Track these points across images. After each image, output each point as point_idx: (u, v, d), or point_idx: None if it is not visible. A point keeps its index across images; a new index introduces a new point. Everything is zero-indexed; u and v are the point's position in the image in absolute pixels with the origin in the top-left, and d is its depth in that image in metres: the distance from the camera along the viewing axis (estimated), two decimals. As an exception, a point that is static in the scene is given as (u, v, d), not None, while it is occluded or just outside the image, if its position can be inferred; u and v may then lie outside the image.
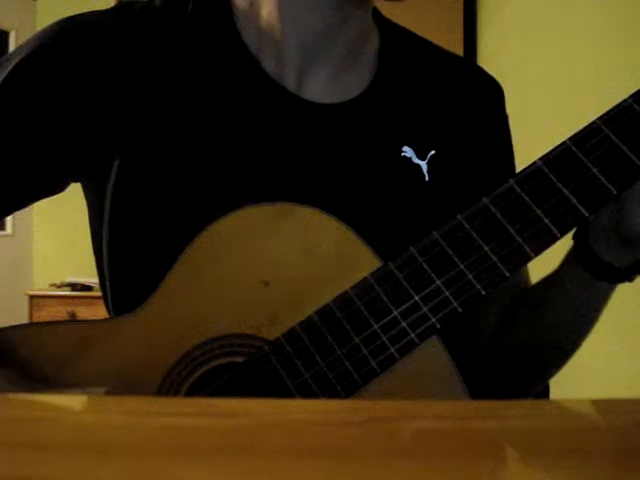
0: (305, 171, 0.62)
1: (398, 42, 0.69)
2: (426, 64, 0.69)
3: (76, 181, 0.66)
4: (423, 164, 0.64)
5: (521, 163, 0.55)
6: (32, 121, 0.61)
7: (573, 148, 0.52)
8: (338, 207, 0.54)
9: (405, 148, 0.64)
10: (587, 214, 0.51)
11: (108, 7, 0.65)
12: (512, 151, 0.71)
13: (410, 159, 0.64)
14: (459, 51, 2.51)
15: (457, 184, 0.64)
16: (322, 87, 0.64)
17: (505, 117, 0.72)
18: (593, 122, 0.52)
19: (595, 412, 0.40)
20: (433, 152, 0.64)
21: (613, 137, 0.51)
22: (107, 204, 0.61)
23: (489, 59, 2.43)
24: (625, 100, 0.52)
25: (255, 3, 0.63)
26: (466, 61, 0.75)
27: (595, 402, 0.41)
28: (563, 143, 0.52)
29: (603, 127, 0.51)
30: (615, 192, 0.51)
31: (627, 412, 0.40)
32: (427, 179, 0.64)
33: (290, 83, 0.63)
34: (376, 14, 0.70)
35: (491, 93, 0.72)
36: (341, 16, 0.62)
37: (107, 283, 0.64)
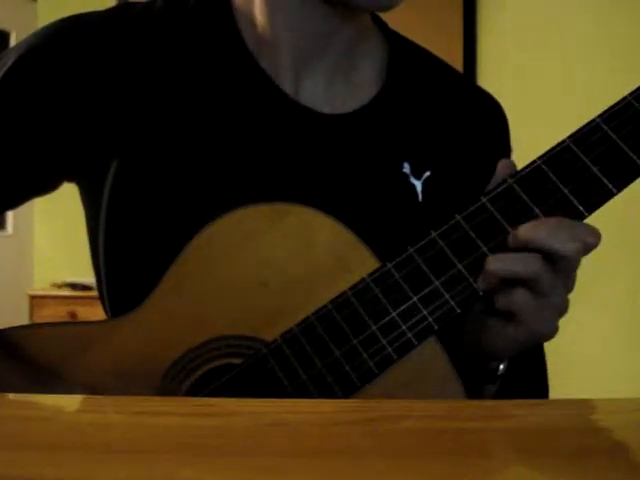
0: (301, 178, 0.61)
1: (407, 57, 0.68)
2: (433, 83, 0.68)
3: (71, 181, 0.65)
4: (418, 184, 0.64)
5: (521, 165, 0.55)
6: (29, 119, 0.61)
7: (573, 146, 0.51)
8: (331, 214, 0.54)
9: (405, 164, 0.63)
10: (586, 213, 0.51)
11: (108, 8, 0.66)
12: None
13: (408, 176, 0.64)
14: (458, 54, 2.50)
15: (449, 207, 0.63)
16: (320, 93, 0.64)
17: (507, 148, 0.71)
18: (593, 120, 0.52)
19: (595, 412, 0.40)
20: (428, 173, 0.64)
21: (613, 135, 0.51)
22: (104, 205, 0.61)
23: (489, 60, 2.43)
24: (625, 97, 0.52)
25: (251, 6, 0.63)
26: (474, 84, 0.75)
27: (595, 402, 0.41)
28: (563, 141, 0.52)
29: (603, 125, 0.51)
30: (615, 191, 0.51)
31: (627, 412, 0.40)
32: (420, 199, 0.63)
33: (287, 86, 0.63)
34: (384, 27, 0.69)
35: (496, 122, 0.71)
36: (331, 25, 0.62)
37: (104, 284, 0.64)
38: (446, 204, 0.63)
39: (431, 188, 0.64)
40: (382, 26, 0.69)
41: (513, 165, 0.54)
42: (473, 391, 0.60)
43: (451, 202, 0.63)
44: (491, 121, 0.70)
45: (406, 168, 0.63)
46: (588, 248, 0.49)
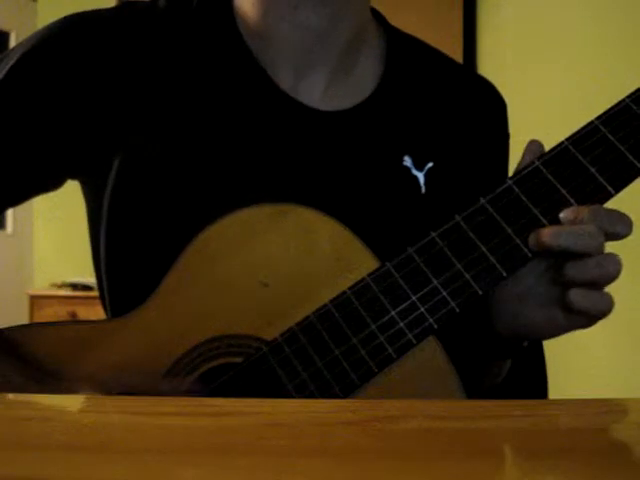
0: (301, 176, 0.61)
1: (405, 51, 0.68)
2: (431, 75, 0.69)
3: (74, 179, 0.66)
4: (420, 176, 0.64)
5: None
6: (32, 116, 0.61)
7: (571, 148, 0.52)
8: (333, 213, 0.54)
9: (406, 158, 0.64)
10: None
11: (111, 6, 0.66)
12: (507, 169, 0.71)
13: (409, 169, 0.64)
14: (459, 53, 2.50)
15: (453, 198, 0.63)
16: (319, 91, 0.64)
17: (506, 134, 0.71)
18: (591, 122, 0.52)
19: (595, 412, 0.40)
20: (431, 164, 0.64)
21: (611, 137, 0.51)
22: (106, 203, 0.61)
23: (489, 60, 2.43)
24: (623, 100, 0.52)
25: (249, 4, 0.63)
26: (472, 73, 0.75)
27: (595, 402, 0.41)
28: (561, 143, 0.52)
29: (601, 127, 0.51)
30: (613, 192, 0.51)
31: (627, 412, 0.40)
32: (423, 191, 0.64)
33: (286, 84, 0.63)
34: (383, 21, 0.69)
35: (494, 109, 0.71)
36: (330, 21, 0.61)
37: (105, 283, 0.64)
38: (450, 193, 0.64)
39: (434, 178, 0.64)
40: (380, 20, 0.69)
41: (541, 147, 0.54)
42: (487, 368, 0.62)
43: (455, 190, 0.64)
44: (488, 106, 0.71)
45: (407, 161, 0.63)
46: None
